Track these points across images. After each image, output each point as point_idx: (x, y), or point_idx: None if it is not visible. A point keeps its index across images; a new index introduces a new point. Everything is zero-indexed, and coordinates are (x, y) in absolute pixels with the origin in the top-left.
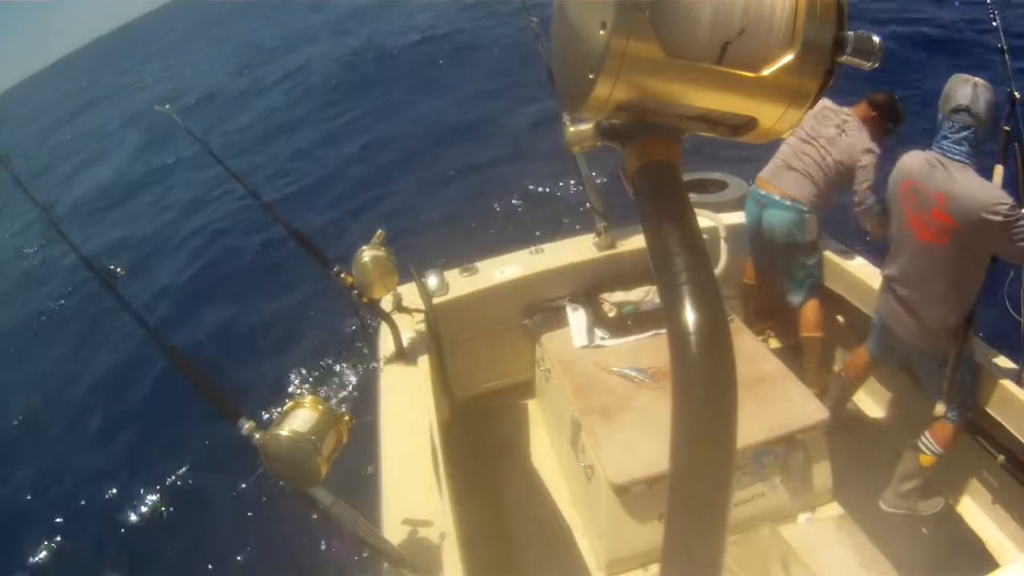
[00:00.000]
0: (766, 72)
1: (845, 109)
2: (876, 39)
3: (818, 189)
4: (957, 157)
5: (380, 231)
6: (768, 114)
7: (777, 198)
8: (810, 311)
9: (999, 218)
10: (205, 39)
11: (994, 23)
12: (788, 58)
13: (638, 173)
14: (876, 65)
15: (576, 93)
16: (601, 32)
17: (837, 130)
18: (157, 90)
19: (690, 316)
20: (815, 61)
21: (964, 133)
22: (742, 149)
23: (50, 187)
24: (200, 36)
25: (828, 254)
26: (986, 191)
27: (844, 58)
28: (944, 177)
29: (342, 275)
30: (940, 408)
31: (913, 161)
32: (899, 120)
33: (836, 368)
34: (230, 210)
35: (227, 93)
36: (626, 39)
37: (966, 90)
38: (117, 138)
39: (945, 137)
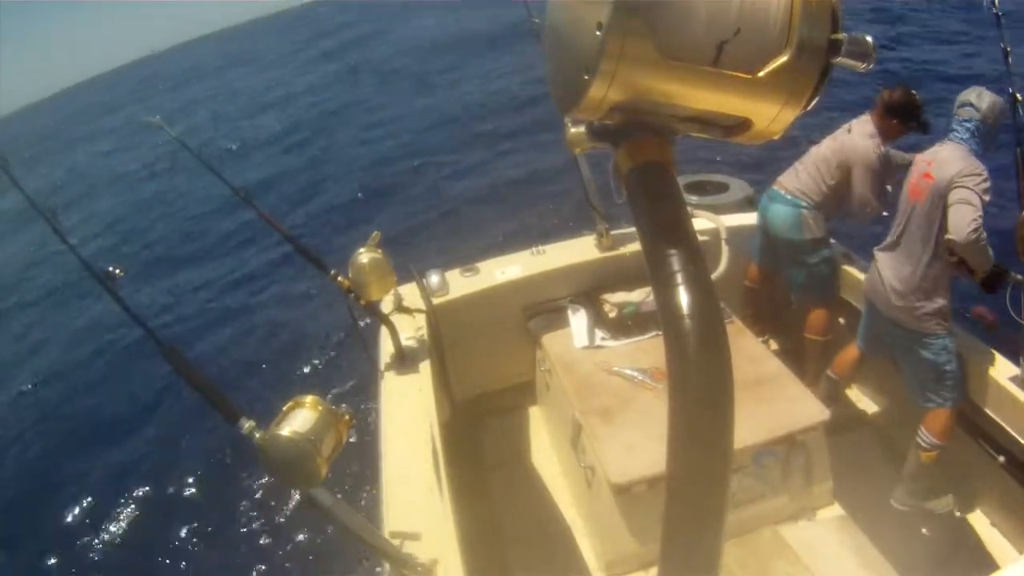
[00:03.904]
0: (761, 73)
1: (861, 120)
2: (870, 40)
3: (823, 188)
4: (958, 139)
5: (376, 232)
6: (763, 115)
7: (782, 193)
8: (816, 313)
9: (960, 179)
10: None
11: (999, 15)
12: (783, 59)
13: (631, 175)
14: (870, 66)
15: (570, 93)
16: (597, 32)
17: (845, 130)
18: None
19: (686, 317)
20: (810, 62)
21: (967, 125)
22: (743, 149)
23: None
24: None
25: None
26: (968, 162)
27: (839, 59)
28: (939, 147)
29: (339, 278)
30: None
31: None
32: (919, 113)
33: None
34: (226, 215)
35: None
36: (622, 40)
37: (973, 92)
38: (106, 147)
39: (953, 129)
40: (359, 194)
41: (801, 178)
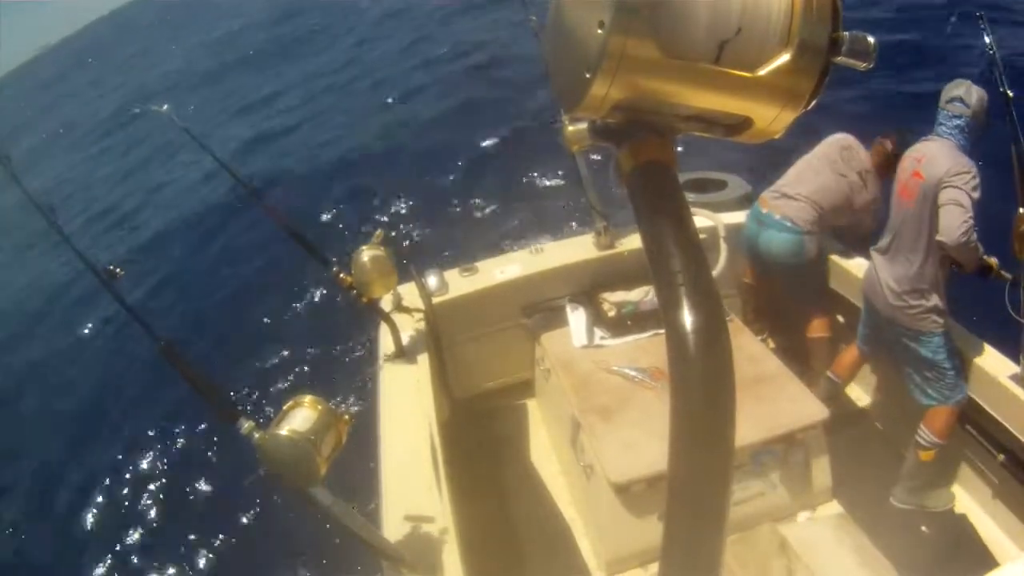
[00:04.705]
0: (762, 72)
1: (866, 157)
2: (871, 39)
3: (819, 215)
4: (947, 135)
5: (379, 231)
6: (763, 114)
7: (777, 218)
8: (818, 313)
9: (949, 178)
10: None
11: (981, 25)
12: (784, 58)
13: (633, 174)
14: (871, 65)
15: (572, 92)
16: (599, 31)
17: (859, 179)
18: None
19: (688, 316)
20: (811, 61)
21: (957, 121)
22: (742, 148)
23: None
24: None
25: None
26: (957, 160)
27: (839, 58)
28: (926, 144)
29: (341, 275)
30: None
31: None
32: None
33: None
34: (229, 209)
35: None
36: (624, 38)
37: (961, 86)
38: (104, 138)
39: (941, 124)
40: (360, 191)
41: (802, 206)
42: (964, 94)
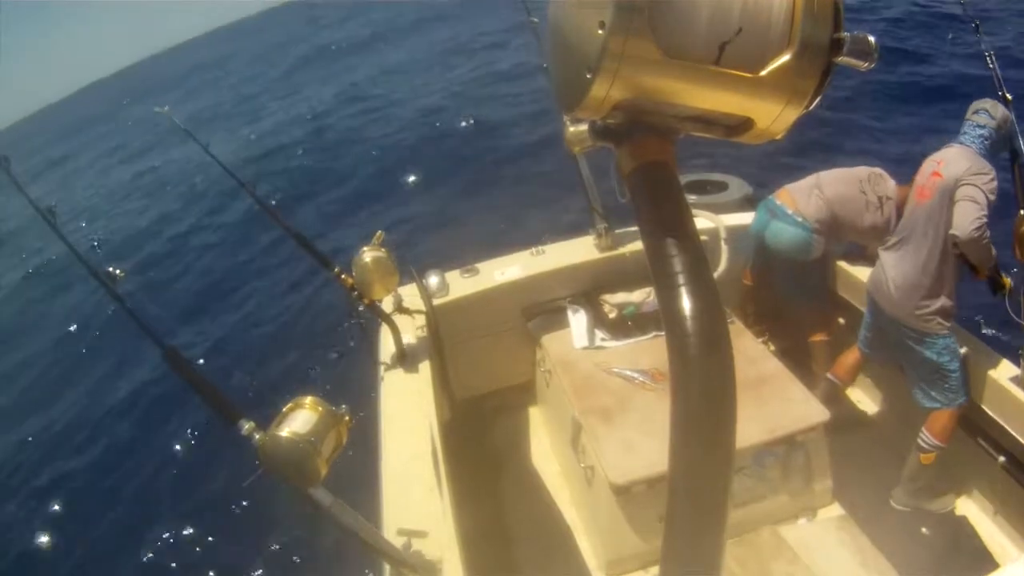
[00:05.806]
0: (763, 72)
1: (892, 187)
2: (872, 40)
3: (832, 220)
4: (969, 143)
5: (380, 232)
6: (765, 114)
7: (789, 211)
8: (818, 315)
9: (968, 177)
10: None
11: (978, 33)
12: (785, 58)
13: (634, 174)
14: (872, 66)
15: (572, 92)
16: (599, 32)
17: (877, 201)
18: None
19: (688, 318)
20: (812, 61)
21: (980, 131)
22: (741, 148)
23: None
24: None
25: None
26: (976, 162)
27: (841, 58)
28: (948, 149)
29: (342, 276)
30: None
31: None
32: None
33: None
34: (230, 211)
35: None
36: (624, 39)
37: (988, 102)
38: (113, 139)
39: (965, 133)
40: (361, 192)
41: (818, 204)
42: (991, 108)
